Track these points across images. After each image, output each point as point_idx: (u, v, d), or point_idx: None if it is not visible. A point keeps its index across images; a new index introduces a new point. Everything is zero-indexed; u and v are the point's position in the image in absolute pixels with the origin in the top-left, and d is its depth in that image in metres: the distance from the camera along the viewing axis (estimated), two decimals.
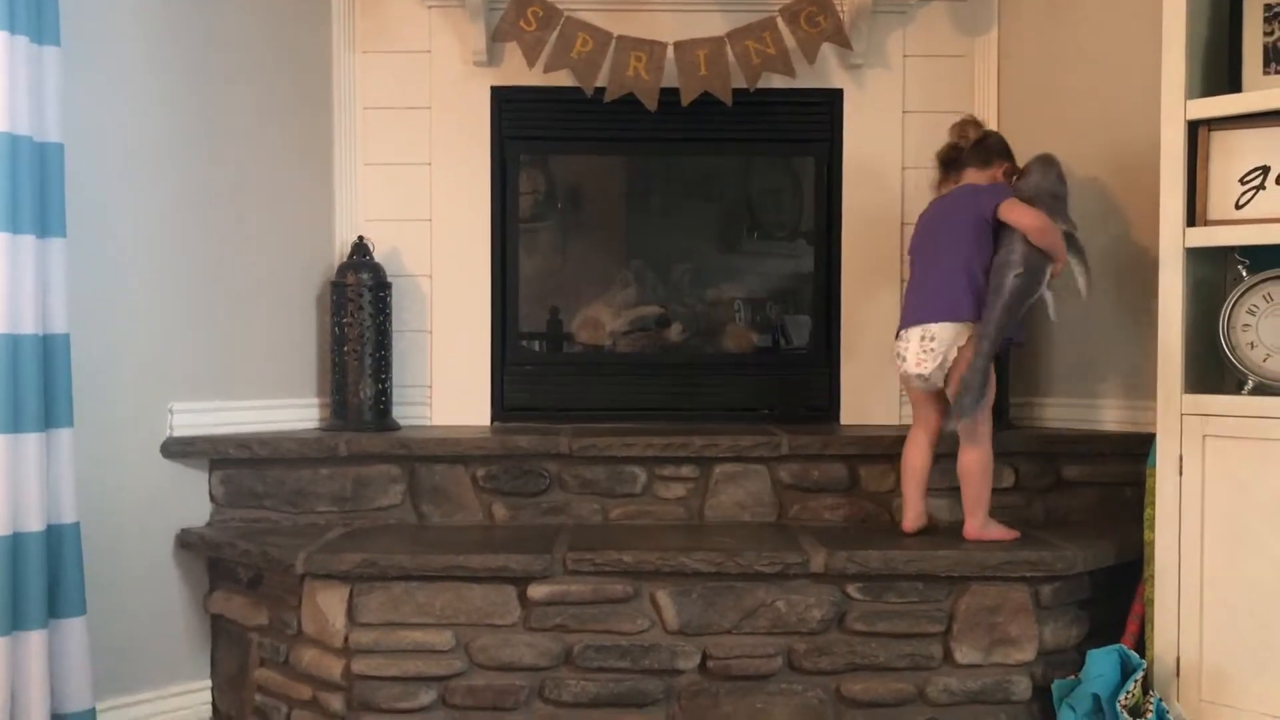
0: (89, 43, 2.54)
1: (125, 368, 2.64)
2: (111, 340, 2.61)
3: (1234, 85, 2.39)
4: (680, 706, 2.42)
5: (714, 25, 3.07)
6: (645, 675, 2.41)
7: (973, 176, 2.66)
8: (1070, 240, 2.59)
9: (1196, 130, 2.35)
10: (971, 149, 2.67)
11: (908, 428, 2.70)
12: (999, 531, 2.55)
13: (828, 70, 3.20)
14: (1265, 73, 2.35)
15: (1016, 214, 2.52)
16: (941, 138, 3.20)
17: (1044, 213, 2.54)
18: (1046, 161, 2.65)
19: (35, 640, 2.28)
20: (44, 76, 2.30)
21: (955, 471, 2.60)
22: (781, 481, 2.79)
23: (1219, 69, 2.42)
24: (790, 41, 3.05)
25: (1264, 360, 2.31)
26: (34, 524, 2.27)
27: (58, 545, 2.35)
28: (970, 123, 2.70)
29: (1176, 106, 2.34)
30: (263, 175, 2.95)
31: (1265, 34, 2.35)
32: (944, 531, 2.64)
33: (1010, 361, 3.05)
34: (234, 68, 2.87)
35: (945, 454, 2.64)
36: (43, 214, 2.31)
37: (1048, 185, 2.61)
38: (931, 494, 2.70)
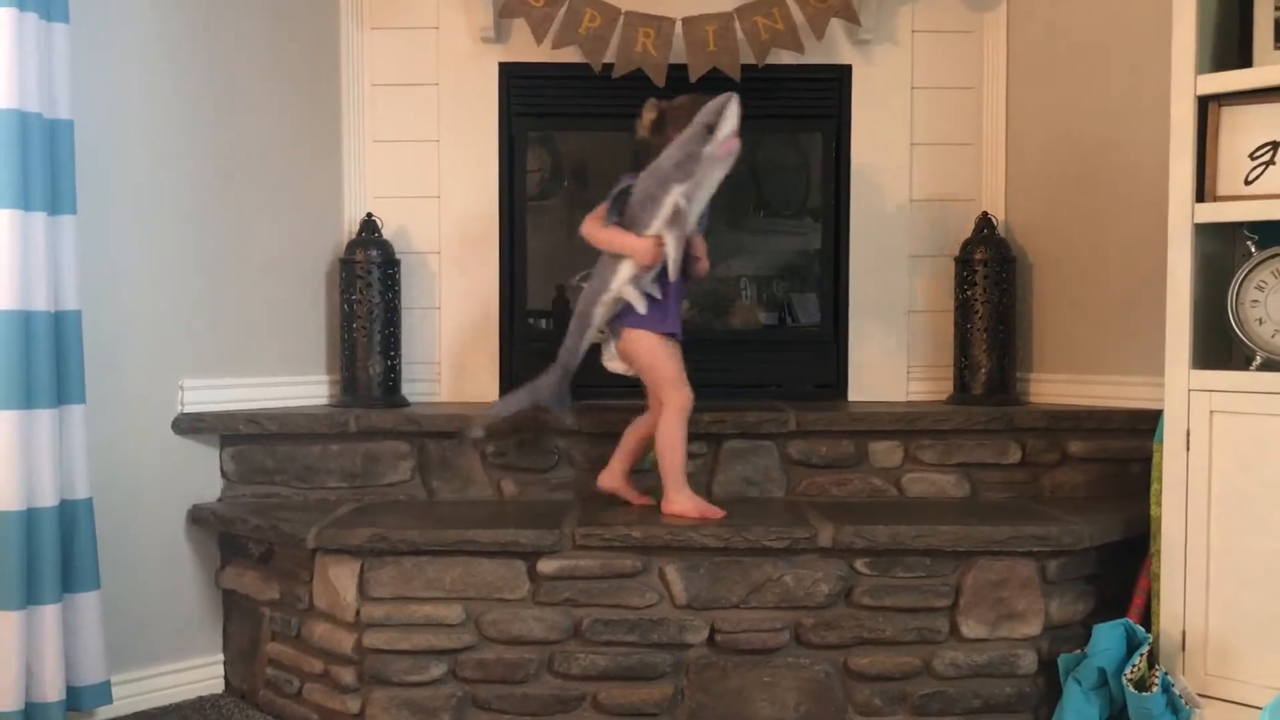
0: (97, 19, 2.54)
1: (136, 344, 2.66)
2: (122, 317, 2.62)
3: (1244, 60, 2.38)
4: (688, 679, 2.44)
5: (723, 1, 3.06)
6: (654, 649, 2.43)
7: None
8: (677, 216, 2.47)
9: (1206, 105, 2.34)
10: (653, 135, 2.61)
11: (916, 404, 2.71)
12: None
13: (836, 46, 3.19)
14: (1276, 48, 2.34)
15: (582, 225, 2.59)
16: (951, 114, 3.21)
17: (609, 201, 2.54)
18: (702, 109, 2.47)
19: (50, 614, 2.30)
20: (53, 53, 2.31)
21: (960, 447, 2.66)
22: (789, 457, 2.80)
23: (1229, 44, 2.41)
24: (799, 17, 3.04)
25: (1272, 336, 2.31)
26: (47, 499, 2.29)
27: (71, 520, 2.37)
28: (646, 108, 2.63)
29: (1186, 82, 2.33)
30: (271, 152, 2.95)
31: (1276, 9, 2.34)
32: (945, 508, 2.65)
33: (1017, 336, 3.06)
34: (242, 45, 2.87)
35: (952, 429, 2.65)
36: (53, 191, 2.32)
37: (684, 141, 2.46)
38: (938, 469, 2.74)
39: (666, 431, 2.56)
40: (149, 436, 2.69)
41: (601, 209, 2.59)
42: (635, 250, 2.51)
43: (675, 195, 2.47)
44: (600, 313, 2.58)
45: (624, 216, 2.54)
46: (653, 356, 2.57)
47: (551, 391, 2.61)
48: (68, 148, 2.35)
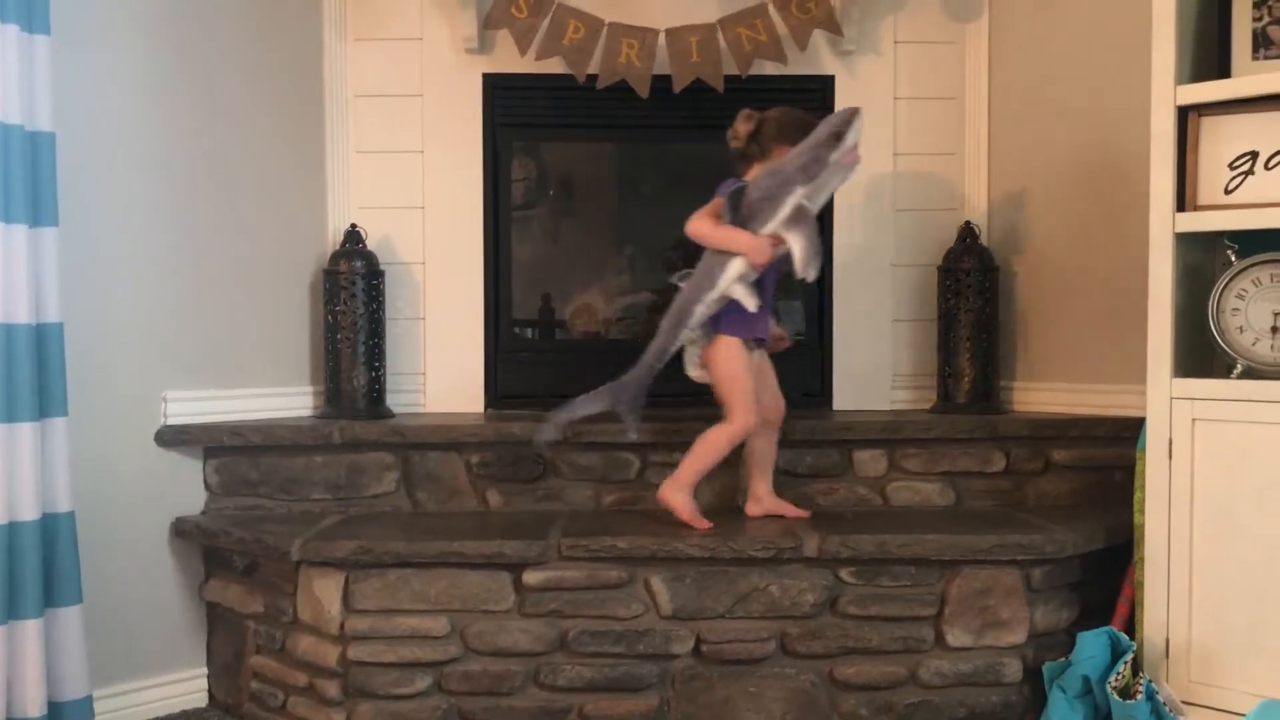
0: (80, 31, 2.53)
1: (119, 357, 2.64)
2: (105, 329, 2.61)
3: (1223, 71, 2.40)
4: (674, 690, 2.44)
5: (706, 12, 3.07)
6: (640, 660, 2.43)
7: (757, 172, 2.63)
8: (800, 216, 2.49)
9: (1186, 115, 2.36)
10: (749, 145, 2.65)
11: (900, 413, 2.72)
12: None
13: (819, 57, 3.21)
14: (1254, 58, 2.36)
15: (688, 224, 2.59)
16: (934, 124, 3.22)
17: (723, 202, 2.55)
18: (829, 119, 2.52)
19: (31, 629, 2.28)
20: (35, 65, 2.29)
21: (944, 456, 2.69)
22: (775, 466, 2.80)
23: (1208, 54, 2.43)
24: (782, 28, 3.05)
25: (1253, 344, 2.33)
26: (29, 513, 2.27)
27: (53, 534, 2.35)
28: (741, 119, 2.66)
29: (1166, 92, 2.35)
30: (255, 163, 2.94)
31: (1254, 19, 2.36)
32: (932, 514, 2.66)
33: (1000, 345, 3.07)
34: (225, 56, 2.86)
35: (936, 438, 2.66)
36: (35, 203, 2.30)
37: (811, 146, 2.49)
38: (923, 478, 2.75)
39: (714, 437, 2.58)
40: (132, 449, 2.68)
41: (709, 208, 2.60)
42: (750, 247, 2.51)
43: (798, 196, 2.49)
44: (701, 311, 2.56)
45: (738, 216, 2.54)
46: (731, 369, 2.58)
47: (633, 395, 2.59)
48: (49, 160, 2.33)
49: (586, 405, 2.61)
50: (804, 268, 2.50)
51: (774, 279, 2.64)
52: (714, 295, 2.55)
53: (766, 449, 2.68)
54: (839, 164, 2.49)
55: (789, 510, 2.67)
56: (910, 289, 3.25)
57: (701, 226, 2.58)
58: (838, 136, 2.47)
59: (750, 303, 2.55)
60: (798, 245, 2.49)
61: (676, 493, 2.57)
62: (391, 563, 2.41)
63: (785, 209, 2.49)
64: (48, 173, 2.33)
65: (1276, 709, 2.02)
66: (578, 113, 3.21)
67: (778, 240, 2.51)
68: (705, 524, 2.53)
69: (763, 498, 2.69)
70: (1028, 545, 2.41)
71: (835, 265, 3.24)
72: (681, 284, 2.61)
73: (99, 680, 2.51)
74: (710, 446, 2.59)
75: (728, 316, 2.57)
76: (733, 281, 2.54)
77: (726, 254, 2.54)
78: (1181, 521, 2.34)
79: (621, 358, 3.24)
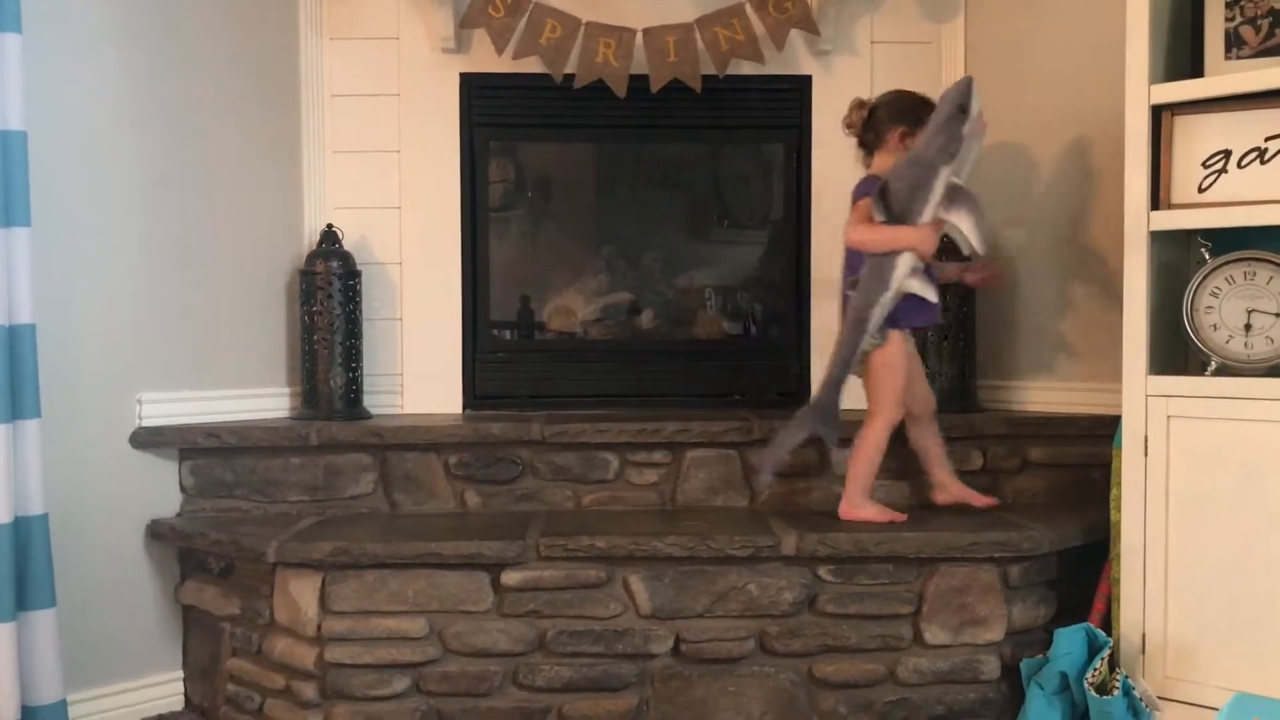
0: (51, 29, 2.51)
1: (93, 358, 2.62)
2: (78, 330, 2.58)
3: (1196, 70, 2.41)
4: (653, 690, 2.43)
5: (683, 11, 3.07)
6: (618, 659, 2.42)
7: (879, 159, 2.67)
8: (956, 193, 2.50)
9: (1160, 114, 2.37)
10: (865, 131, 2.69)
11: None
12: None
13: (796, 57, 3.21)
14: (1227, 57, 2.37)
15: (847, 234, 2.60)
16: None
17: (870, 202, 2.54)
18: (948, 95, 2.53)
19: (4, 633, 2.26)
20: (6, 63, 2.27)
21: (903, 454, 2.73)
22: (753, 466, 2.80)
23: (1182, 54, 2.45)
24: (759, 28, 3.06)
25: (1226, 342, 2.34)
26: (2, 516, 2.25)
27: (26, 537, 2.33)
28: (854, 108, 2.70)
29: (1140, 91, 2.36)
30: (230, 163, 2.92)
31: (1226, 19, 2.38)
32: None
33: (977, 344, 3.08)
34: (200, 56, 2.84)
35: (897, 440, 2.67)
36: (6, 203, 2.28)
37: (940, 125, 2.50)
38: (899, 476, 2.78)
39: (863, 444, 2.61)
40: (106, 451, 2.66)
41: (859, 214, 2.58)
42: (918, 239, 2.50)
43: (946, 175, 2.48)
44: (878, 314, 2.55)
45: (891, 214, 2.53)
46: (892, 361, 2.59)
47: (829, 414, 2.58)
48: (21, 159, 2.31)
49: (790, 437, 2.61)
50: (978, 241, 2.49)
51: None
52: (889, 295, 2.54)
53: (929, 442, 2.70)
54: (972, 134, 2.49)
55: (975, 498, 2.69)
56: None
57: (862, 234, 2.57)
58: (963, 109, 2.47)
59: (930, 292, 2.55)
60: (965, 221, 2.49)
61: (856, 509, 2.59)
62: (369, 564, 2.39)
63: (937, 192, 2.49)
64: (19, 172, 2.30)
65: (1249, 703, 2.04)
66: (555, 113, 3.21)
67: (939, 225, 2.52)
68: (900, 516, 2.57)
69: (948, 484, 2.70)
70: (1005, 543, 2.42)
71: (813, 265, 3.24)
72: (851, 292, 2.61)
73: (73, 684, 2.48)
74: (862, 454, 2.61)
75: (899, 313, 2.59)
76: (906, 277, 2.53)
77: (892, 253, 2.52)
78: (1157, 518, 2.35)
79: (599, 358, 3.28)
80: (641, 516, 2.67)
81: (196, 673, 2.75)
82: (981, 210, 2.49)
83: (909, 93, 2.69)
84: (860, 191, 2.61)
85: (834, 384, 2.59)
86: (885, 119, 2.65)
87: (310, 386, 2.98)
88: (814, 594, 2.44)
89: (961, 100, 2.47)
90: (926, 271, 2.58)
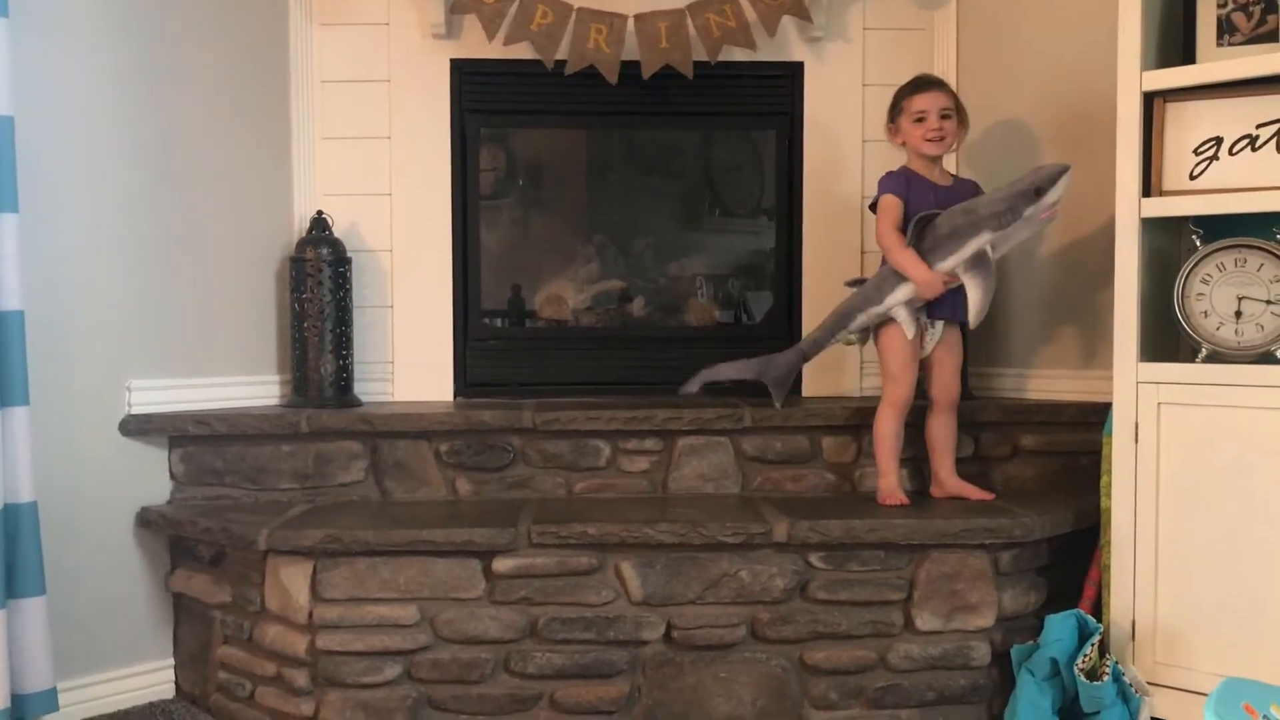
0: (39, 13, 2.49)
1: (82, 345, 2.61)
2: (67, 317, 2.57)
3: (1188, 57, 2.42)
4: (645, 676, 2.44)
5: None
6: (610, 646, 2.42)
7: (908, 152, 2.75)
8: (981, 262, 2.54)
9: (1152, 101, 2.37)
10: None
11: (870, 399, 2.73)
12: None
13: (788, 43, 3.20)
14: (1219, 44, 2.38)
15: (876, 230, 2.67)
16: None
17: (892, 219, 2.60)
18: (1039, 172, 2.53)
19: None
20: None
21: (912, 442, 2.73)
22: (744, 453, 2.80)
23: (1174, 41, 2.45)
24: (751, 14, 3.05)
25: (1217, 329, 2.35)
26: None
27: (15, 525, 2.32)
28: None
29: (1132, 78, 2.36)
30: (219, 149, 2.91)
31: (1219, 6, 2.38)
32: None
33: (969, 333, 3.08)
34: (189, 41, 2.83)
35: (916, 425, 2.67)
36: None
37: (1012, 194, 2.51)
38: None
39: (878, 424, 2.66)
40: (96, 438, 2.65)
41: (890, 218, 2.62)
42: (924, 282, 2.56)
43: (984, 240, 2.52)
44: (862, 321, 2.66)
45: (922, 242, 2.57)
46: (890, 343, 2.64)
47: (783, 372, 2.71)
48: (9, 144, 2.29)
49: (733, 370, 2.74)
50: (977, 317, 2.57)
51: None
52: (877, 310, 2.63)
53: (944, 433, 2.70)
54: (1033, 220, 2.52)
55: (972, 492, 2.69)
56: None
57: (887, 241, 2.61)
58: (1039, 192, 2.49)
59: (909, 329, 2.61)
60: (975, 292, 2.55)
61: (886, 496, 2.63)
62: (360, 551, 2.39)
63: (968, 250, 2.53)
64: (7, 158, 2.29)
65: (1238, 687, 2.04)
66: (546, 99, 3.19)
67: (951, 279, 2.56)
68: (902, 500, 2.61)
69: (944, 480, 2.70)
70: (996, 529, 2.42)
71: (804, 253, 3.24)
72: (853, 287, 2.68)
73: (63, 672, 2.48)
74: (878, 434, 2.65)
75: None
76: (899, 304, 2.60)
77: (901, 276, 2.58)
78: (1147, 505, 2.36)
79: (591, 346, 3.28)
80: (633, 504, 2.67)
81: (187, 660, 2.74)
82: (992, 290, 2.55)
83: (903, 85, 2.75)
84: (883, 186, 2.67)
85: (797, 353, 2.74)
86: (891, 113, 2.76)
87: (300, 374, 2.97)
88: (805, 580, 2.44)
89: (1042, 185, 2.50)
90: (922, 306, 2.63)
